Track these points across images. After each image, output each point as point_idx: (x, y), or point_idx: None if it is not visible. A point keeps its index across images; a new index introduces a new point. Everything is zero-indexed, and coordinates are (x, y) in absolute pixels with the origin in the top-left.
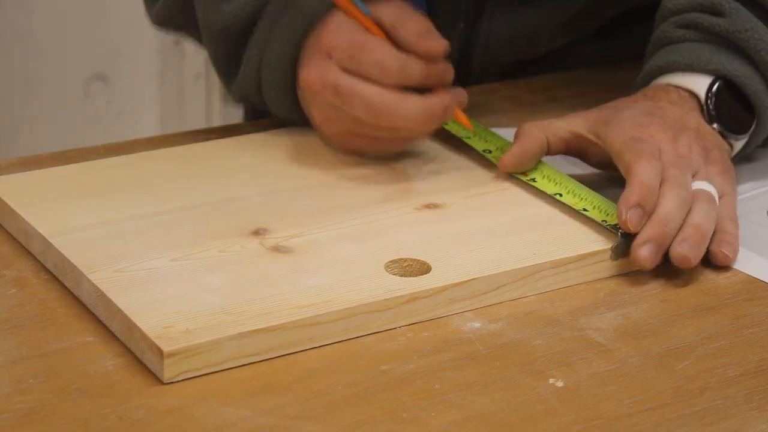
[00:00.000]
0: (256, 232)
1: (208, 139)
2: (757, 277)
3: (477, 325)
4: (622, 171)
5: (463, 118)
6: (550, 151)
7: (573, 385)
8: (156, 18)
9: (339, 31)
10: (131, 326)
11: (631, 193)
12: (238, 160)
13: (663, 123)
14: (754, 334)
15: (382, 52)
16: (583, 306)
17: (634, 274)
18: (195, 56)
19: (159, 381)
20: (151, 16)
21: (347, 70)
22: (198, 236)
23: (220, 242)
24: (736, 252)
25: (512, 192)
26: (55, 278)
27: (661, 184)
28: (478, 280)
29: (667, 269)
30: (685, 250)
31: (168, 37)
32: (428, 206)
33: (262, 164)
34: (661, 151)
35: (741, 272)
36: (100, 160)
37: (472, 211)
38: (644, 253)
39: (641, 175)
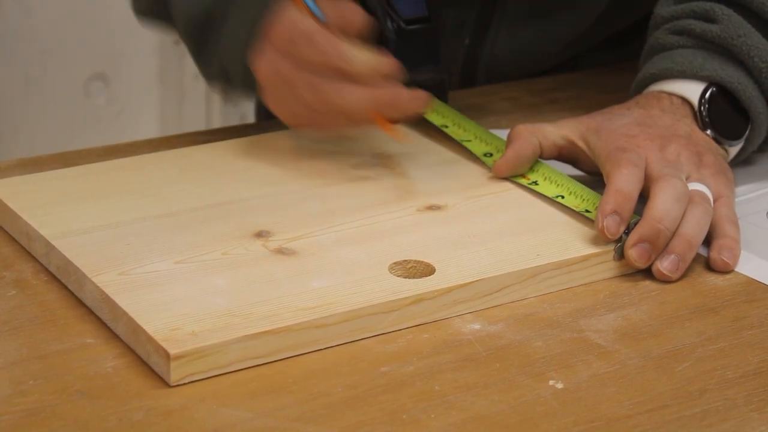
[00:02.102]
0: (259, 234)
1: (208, 141)
2: (756, 278)
3: (476, 326)
4: (605, 180)
5: (389, 127)
6: (542, 156)
7: (573, 386)
8: (137, 8)
9: (285, 21)
10: (137, 329)
11: (607, 202)
12: (240, 162)
13: (651, 132)
14: (753, 336)
15: (325, 41)
16: (582, 307)
17: (633, 276)
18: None
19: (159, 382)
20: (134, 7)
21: (292, 57)
22: (201, 239)
23: (223, 244)
24: (736, 258)
25: (514, 193)
26: (55, 280)
27: (653, 182)
28: (482, 282)
29: None
30: (666, 267)
31: (168, 37)
32: (430, 207)
33: (264, 166)
34: (648, 159)
35: (741, 274)
36: (102, 163)
37: (474, 212)
38: (634, 253)
39: (617, 182)
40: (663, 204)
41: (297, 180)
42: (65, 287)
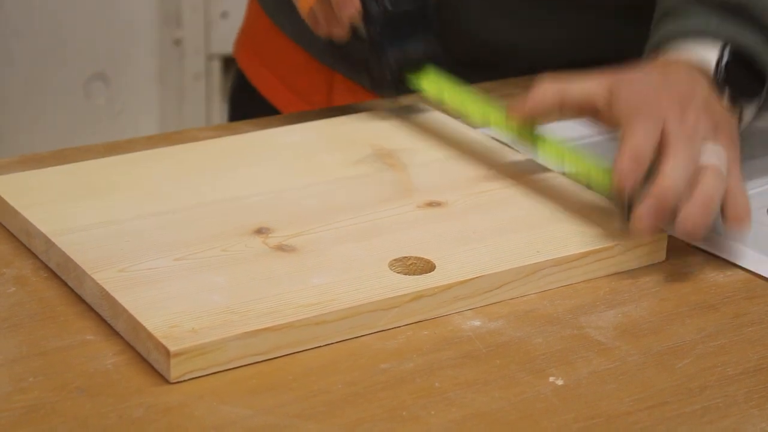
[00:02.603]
0: (259, 231)
1: (208, 139)
2: (757, 272)
3: (477, 323)
4: (620, 139)
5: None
6: (563, 111)
7: (573, 383)
8: None
9: None
10: (137, 326)
11: (622, 157)
12: (240, 159)
13: (670, 95)
14: (754, 333)
15: None
16: (582, 304)
17: (633, 273)
18: (195, 56)
19: (159, 379)
20: None
21: None
22: (201, 235)
23: (223, 241)
24: (748, 213)
25: (514, 189)
26: (54, 276)
27: (668, 146)
28: (482, 278)
29: (666, 266)
30: (690, 222)
31: (168, 37)
32: (430, 204)
33: (264, 163)
34: (666, 120)
35: (741, 270)
36: (101, 159)
37: (474, 208)
38: (642, 213)
39: (632, 138)
40: (675, 168)
41: (296, 177)
42: (65, 284)
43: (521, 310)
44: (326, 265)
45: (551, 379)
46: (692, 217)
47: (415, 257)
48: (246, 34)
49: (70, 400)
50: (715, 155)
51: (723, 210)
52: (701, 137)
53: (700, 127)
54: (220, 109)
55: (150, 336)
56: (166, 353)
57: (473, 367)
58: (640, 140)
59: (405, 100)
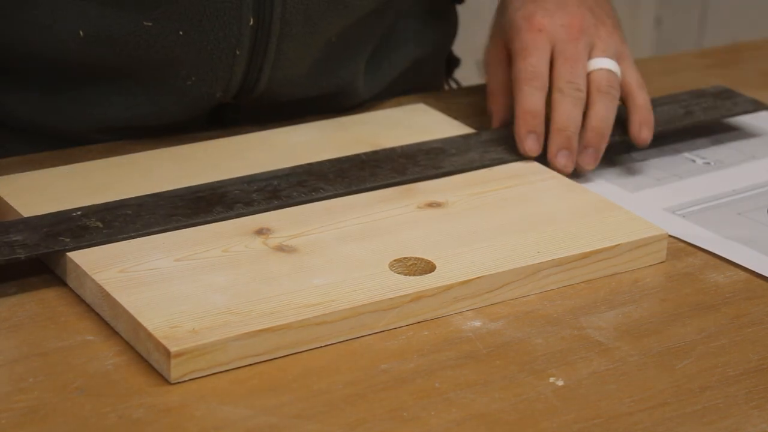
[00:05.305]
0: (260, 232)
1: (208, 138)
2: (759, 272)
3: (477, 323)
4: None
5: None
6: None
7: (573, 383)
8: None
9: None
10: (137, 326)
11: (521, 125)
12: (239, 159)
13: (546, 3)
14: (754, 333)
15: None
16: (583, 305)
17: (633, 273)
18: None
19: (159, 380)
20: None
21: None
22: (201, 236)
23: (224, 242)
24: (652, 127)
25: (514, 190)
26: (55, 277)
27: (553, 91)
28: (482, 279)
29: (666, 267)
30: (585, 161)
31: None
32: (431, 205)
33: (264, 163)
34: (554, 40)
35: (741, 270)
36: (101, 160)
37: (474, 209)
38: (560, 163)
39: (524, 103)
40: (561, 115)
41: None
42: (65, 284)
43: (522, 311)
44: (327, 265)
45: (551, 379)
46: (584, 162)
47: (416, 258)
48: None
49: (70, 400)
50: (606, 61)
51: (627, 113)
52: (588, 35)
53: (585, 23)
54: None
55: (150, 336)
56: (167, 354)
57: (473, 367)
58: (529, 106)
59: (405, 99)
